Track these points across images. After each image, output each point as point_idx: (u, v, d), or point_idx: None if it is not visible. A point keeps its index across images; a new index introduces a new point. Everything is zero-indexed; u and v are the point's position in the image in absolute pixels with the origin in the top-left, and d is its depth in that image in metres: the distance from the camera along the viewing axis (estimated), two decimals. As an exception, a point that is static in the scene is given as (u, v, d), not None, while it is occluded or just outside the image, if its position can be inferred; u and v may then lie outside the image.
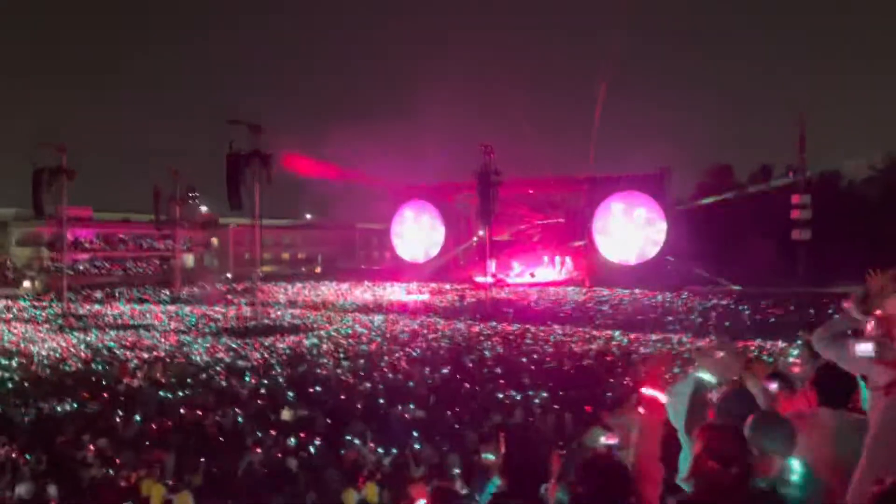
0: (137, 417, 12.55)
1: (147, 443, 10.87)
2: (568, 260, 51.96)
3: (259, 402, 14.01)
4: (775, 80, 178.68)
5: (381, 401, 13.78)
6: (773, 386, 4.59)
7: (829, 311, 24.06)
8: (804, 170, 47.57)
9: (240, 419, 12.38)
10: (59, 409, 13.62)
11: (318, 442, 10.86)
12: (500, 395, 14.20)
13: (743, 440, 2.80)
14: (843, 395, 3.48)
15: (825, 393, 3.61)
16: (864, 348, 2.87)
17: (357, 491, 8.50)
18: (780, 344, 20.15)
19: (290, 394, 14.45)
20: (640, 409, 4.30)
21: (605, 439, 3.87)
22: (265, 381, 16.24)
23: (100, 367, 18.94)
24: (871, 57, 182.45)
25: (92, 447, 10.54)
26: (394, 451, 10.27)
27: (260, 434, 11.30)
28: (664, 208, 48.63)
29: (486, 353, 20.96)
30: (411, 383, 15.75)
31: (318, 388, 15.21)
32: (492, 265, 43.87)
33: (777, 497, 2.74)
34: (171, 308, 37.32)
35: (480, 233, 47.65)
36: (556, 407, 12.69)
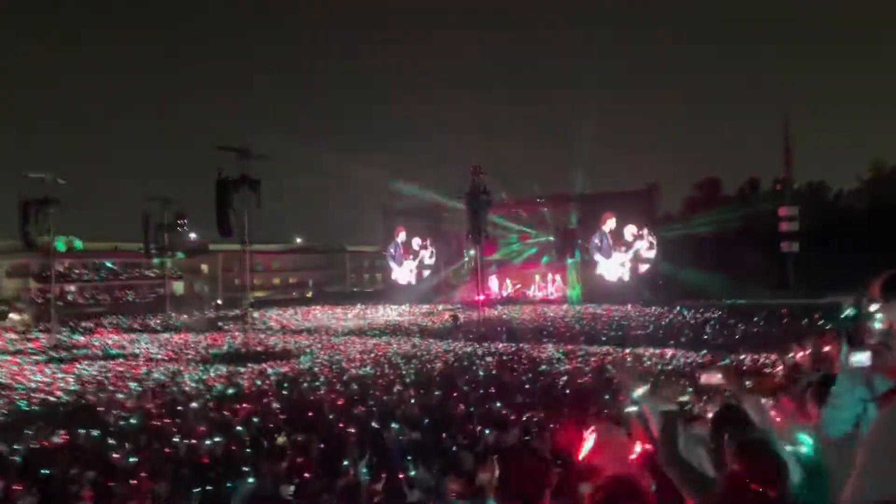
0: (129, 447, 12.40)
1: (139, 472, 10.73)
2: (559, 278, 52.08)
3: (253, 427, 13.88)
4: (762, 93, 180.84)
5: (375, 421, 13.68)
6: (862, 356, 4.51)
7: (819, 322, 24.18)
8: (791, 182, 48.04)
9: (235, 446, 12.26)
10: (49, 441, 13.44)
11: (313, 468, 10.74)
12: (495, 415, 14.12)
13: (783, 461, 2.73)
14: None
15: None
16: (859, 358, 2.83)
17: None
18: (770, 357, 20.17)
19: (284, 418, 14.33)
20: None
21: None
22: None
23: (89, 398, 18.74)
24: (857, 68, 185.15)
25: (84, 480, 10.39)
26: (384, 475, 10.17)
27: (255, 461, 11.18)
28: (653, 224, 48.97)
29: (480, 372, 20.90)
30: (409, 404, 15.65)
31: (311, 413, 15.08)
32: (484, 284, 43.87)
33: None
34: (162, 336, 37.06)
35: (472, 252, 47.72)
36: (551, 426, 12.63)
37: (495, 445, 10.91)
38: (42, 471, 11.06)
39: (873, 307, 2.93)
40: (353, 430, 13.17)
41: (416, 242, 58.03)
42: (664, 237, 48.11)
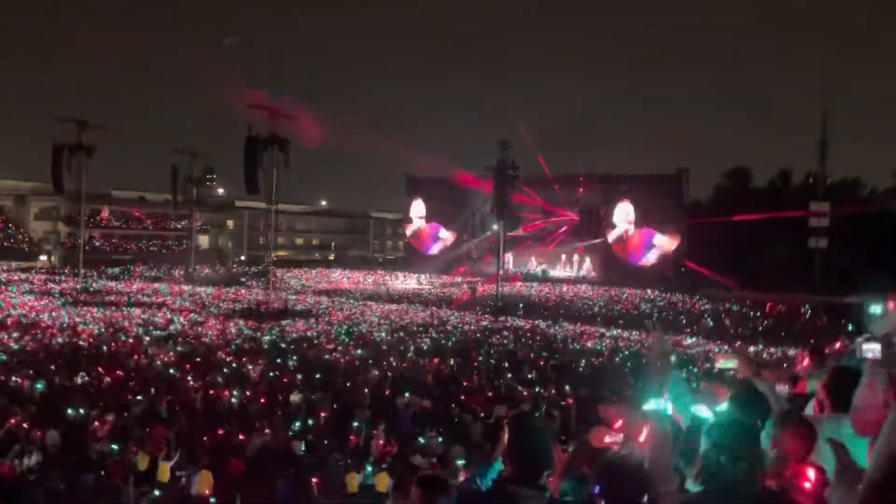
0: (149, 393, 12.68)
1: (156, 419, 10.97)
2: (576, 257, 51.94)
3: (269, 383, 14.12)
4: (800, 85, 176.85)
5: (389, 386, 13.87)
6: (786, 388, 4.57)
7: (842, 320, 23.90)
8: (824, 177, 47.11)
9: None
10: (69, 382, 13.77)
11: (324, 426, 10.93)
12: (507, 389, 14.23)
13: (756, 439, 2.76)
14: None
15: (839, 397, 3.55)
16: (871, 347, 2.81)
17: (360, 475, 8.56)
18: (790, 351, 20.05)
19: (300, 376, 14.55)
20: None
21: (610, 436, 3.87)
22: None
23: (112, 343, 19.13)
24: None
25: (102, 422, 10.66)
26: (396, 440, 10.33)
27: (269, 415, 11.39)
28: (680, 210, 48.46)
29: (496, 346, 21.01)
30: (422, 372, 15.82)
31: (325, 373, 15.29)
32: (505, 260, 43.85)
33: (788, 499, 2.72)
34: (185, 287, 37.63)
35: (495, 227, 47.62)
36: (562, 403, 12.71)
37: (506, 414, 10.99)
38: (62, 408, 11.37)
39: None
40: (366, 393, 13.37)
41: (425, 214, 58.51)
42: (690, 224, 47.60)
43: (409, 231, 60.83)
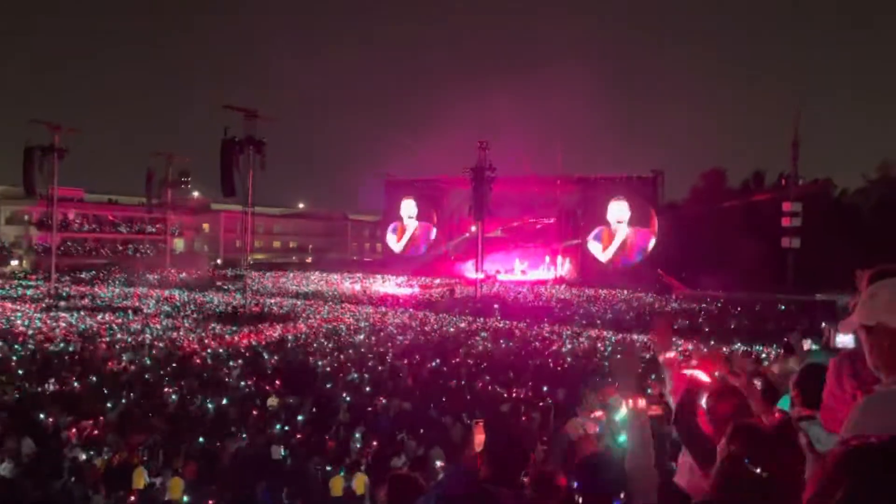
0: (122, 400, 12.53)
1: (131, 425, 10.85)
2: (559, 258, 52.12)
3: (246, 388, 14.02)
4: (773, 88, 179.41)
5: (368, 389, 13.83)
6: (846, 339, 4.61)
7: (815, 316, 24.27)
8: (796, 177, 47.79)
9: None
10: (42, 389, 13.56)
11: (303, 430, 10.88)
12: (486, 390, 14.25)
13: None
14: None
15: (808, 395, 3.61)
16: (843, 339, 2.82)
17: (343, 478, 8.54)
18: (767, 349, 20.31)
19: (277, 381, 14.46)
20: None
21: (587, 428, 3.90)
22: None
23: (85, 348, 18.85)
24: (868, 67, 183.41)
25: (75, 429, 10.52)
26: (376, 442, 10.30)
27: (246, 420, 11.30)
28: (656, 211, 48.89)
29: (474, 348, 21.01)
30: (402, 374, 15.79)
31: (303, 377, 15.21)
32: (483, 261, 43.90)
33: None
34: (160, 292, 37.19)
35: (473, 228, 47.67)
36: (540, 404, 12.75)
37: (483, 414, 11.02)
38: (35, 415, 11.20)
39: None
40: (345, 396, 13.32)
41: (417, 214, 58.00)
42: (666, 225, 47.99)
43: (400, 232, 59.36)
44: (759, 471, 2.27)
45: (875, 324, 1.85)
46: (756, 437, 2.31)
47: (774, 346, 19.75)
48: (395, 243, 59.60)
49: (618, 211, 49.69)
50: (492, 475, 2.69)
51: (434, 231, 57.71)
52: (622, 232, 49.69)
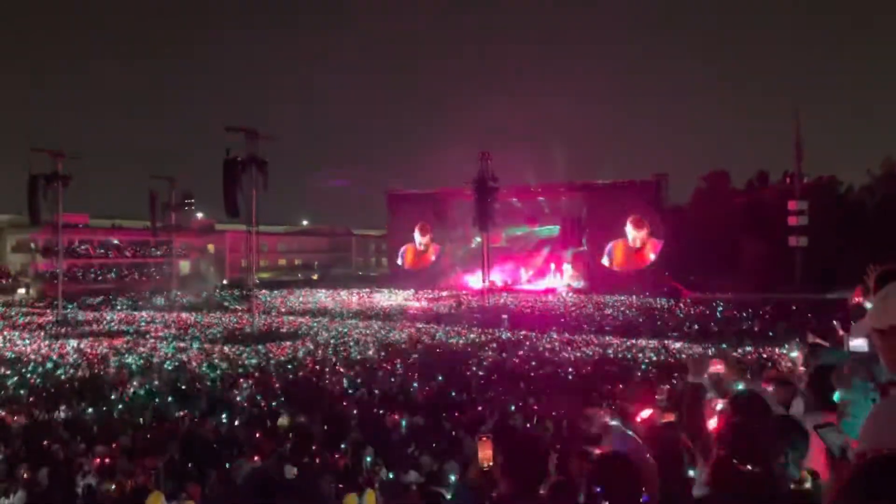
0: (133, 424, 12.48)
1: (144, 450, 10.79)
2: (565, 266, 51.97)
3: (256, 408, 13.95)
4: (774, 87, 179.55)
5: (379, 404, 13.73)
6: (770, 388, 4.58)
7: (828, 316, 24.06)
8: (801, 176, 47.63)
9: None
10: (53, 415, 13.53)
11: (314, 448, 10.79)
12: (497, 401, 14.15)
13: (767, 440, 2.70)
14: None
15: (822, 395, 3.56)
16: (858, 343, 2.77)
17: (357, 496, 8.44)
18: (777, 350, 20.15)
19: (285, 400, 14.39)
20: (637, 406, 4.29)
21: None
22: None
23: (94, 374, 18.83)
24: (870, 64, 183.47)
25: (88, 456, 10.46)
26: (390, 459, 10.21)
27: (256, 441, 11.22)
28: (660, 215, 48.75)
29: (483, 360, 20.91)
30: (414, 385, 15.71)
31: (312, 395, 15.14)
32: (489, 271, 43.85)
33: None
34: (167, 314, 37.20)
35: (478, 239, 47.63)
36: (553, 413, 12.64)
37: (498, 428, 10.93)
38: (46, 443, 11.14)
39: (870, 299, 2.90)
40: (355, 413, 13.24)
41: (421, 228, 57.89)
42: (671, 228, 47.81)
43: (410, 250, 58.76)
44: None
45: (888, 327, 1.87)
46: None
47: (784, 346, 19.58)
48: (404, 263, 59.39)
49: (633, 232, 49.56)
50: (511, 489, 2.63)
51: (435, 242, 57.64)
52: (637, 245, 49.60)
